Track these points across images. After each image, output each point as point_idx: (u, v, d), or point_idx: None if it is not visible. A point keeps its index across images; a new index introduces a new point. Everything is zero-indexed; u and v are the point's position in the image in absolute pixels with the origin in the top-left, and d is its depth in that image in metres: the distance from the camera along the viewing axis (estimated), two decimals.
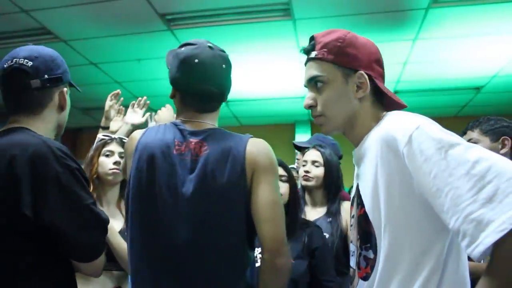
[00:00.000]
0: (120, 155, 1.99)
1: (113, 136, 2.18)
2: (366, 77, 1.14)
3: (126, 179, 1.46)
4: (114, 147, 2.05)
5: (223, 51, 1.54)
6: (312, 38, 1.25)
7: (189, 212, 1.32)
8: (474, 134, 2.00)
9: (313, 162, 2.38)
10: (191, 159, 1.37)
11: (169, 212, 1.33)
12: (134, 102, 2.56)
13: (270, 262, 1.30)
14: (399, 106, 1.18)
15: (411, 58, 4.69)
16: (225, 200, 1.34)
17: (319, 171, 2.36)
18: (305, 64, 1.27)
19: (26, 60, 1.30)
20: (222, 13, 3.86)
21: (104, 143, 2.08)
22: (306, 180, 2.37)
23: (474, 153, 0.90)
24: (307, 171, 2.36)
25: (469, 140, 1.91)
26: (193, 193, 1.33)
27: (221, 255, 1.33)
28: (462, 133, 2.04)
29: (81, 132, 7.42)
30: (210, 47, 1.49)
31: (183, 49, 1.46)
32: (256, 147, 1.42)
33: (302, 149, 2.82)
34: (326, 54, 1.17)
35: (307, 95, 1.23)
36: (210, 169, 1.34)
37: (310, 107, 1.22)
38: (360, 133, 1.17)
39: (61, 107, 1.39)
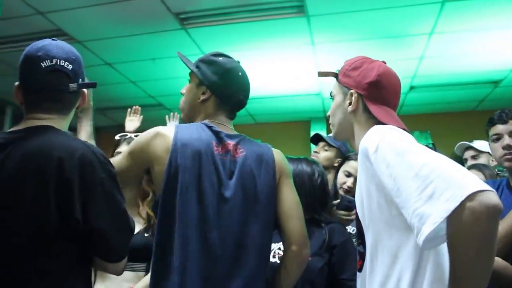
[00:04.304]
0: None
1: (129, 135, 2.20)
2: (356, 95, 1.38)
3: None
4: (123, 148, 2.06)
5: None
6: None
7: (231, 211, 1.45)
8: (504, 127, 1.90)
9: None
10: (230, 159, 1.50)
11: (213, 210, 1.43)
12: (130, 109, 2.63)
13: (298, 253, 1.50)
14: (393, 123, 1.31)
15: (427, 53, 4.63)
16: (262, 199, 1.50)
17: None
18: None
19: (66, 63, 1.31)
20: (235, 11, 3.86)
21: (116, 144, 2.10)
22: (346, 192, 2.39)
23: (423, 158, 1.05)
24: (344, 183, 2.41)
25: (496, 134, 1.87)
26: (235, 192, 1.46)
27: (258, 251, 1.47)
28: (489, 126, 1.97)
29: (97, 132, 7.48)
30: (238, 62, 1.67)
31: (221, 59, 1.61)
32: (280, 155, 1.62)
33: (318, 142, 2.85)
34: (339, 75, 1.45)
35: None
36: (248, 170, 1.50)
37: (329, 116, 1.52)
38: (358, 145, 1.33)
39: (79, 106, 1.43)
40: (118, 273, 1.40)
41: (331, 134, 2.91)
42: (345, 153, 2.81)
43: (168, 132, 1.49)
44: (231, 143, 1.53)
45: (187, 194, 1.41)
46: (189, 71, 1.67)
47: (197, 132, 1.50)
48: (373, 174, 1.18)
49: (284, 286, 1.56)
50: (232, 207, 1.45)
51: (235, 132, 1.59)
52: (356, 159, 2.34)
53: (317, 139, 2.94)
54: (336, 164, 2.80)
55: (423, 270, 1.11)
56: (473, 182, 0.95)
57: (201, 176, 1.44)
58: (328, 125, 7.36)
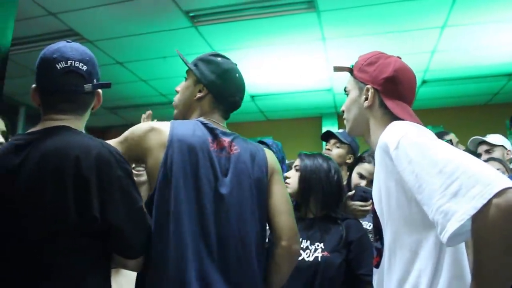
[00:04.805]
0: None
1: None
2: (372, 91, 1.37)
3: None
4: None
5: None
6: None
7: (227, 205, 1.46)
8: None
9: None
10: (225, 156, 1.52)
11: (210, 205, 1.44)
12: (143, 115, 2.64)
13: (288, 248, 1.51)
14: (410, 119, 1.30)
15: (439, 46, 4.59)
16: (256, 196, 1.52)
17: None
18: None
19: (81, 64, 1.32)
20: (245, 7, 3.86)
21: None
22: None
23: (447, 154, 1.05)
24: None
25: None
26: (231, 187, 1.48)
27: (256, 247, 1.49)
28: None
29: (109, 131, 7.54)
30: (235, 64, 1.70)
31: (219, 59, 1.64)
32: (270, 154, 1.66)
33: (329, 139, 2.86)
34: (354, 70, 1.44)
35: None
36: (243, 167, 1.52)
37: (343, 111, 1.50)
38: (374, 141, 1.34)
39: (94, 106, 1.44)
40: (137, 269, 1.42)
41: (341, 130, 2.92)
42: (356, 150, 2.83)
43: (163, 127, 1.50)
44: (226, 140, 1.55)
45: (184, 190, 1.41)
46: (187, 69, 1.69)
47: (193, 128, 1.51)
48: (392, 171, 1.17)
49: (275, 282, 1.56)
50: (228, 204, 1.46)
51: (229, 131, 1.62)
52: (369, 161, 2.35)
53: (327, 136, 2.93)
54: (348, 161, 2.80)
55: (441, 267, 1.11)
56: (499, 179, 0.94)
57: (198, 172, 1.44)
58: (339, 121, 7.36)
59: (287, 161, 3.02)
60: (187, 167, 1.43)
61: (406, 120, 1.28)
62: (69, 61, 1.31)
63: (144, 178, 2.09)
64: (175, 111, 1.70)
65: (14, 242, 1.19)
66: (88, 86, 1.34)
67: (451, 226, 0.96)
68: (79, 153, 1.21)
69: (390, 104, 1.34)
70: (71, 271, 1.20)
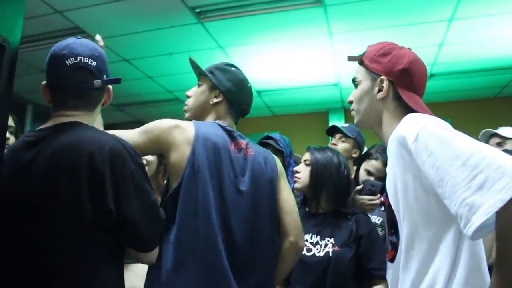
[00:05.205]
0: None
1: None
2: (387, 82, 1.34)
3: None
4: None
5: None
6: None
7: (245, 201, 1.58)
8: None
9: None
10: (242, 157, 1.64)
11: (231, 201, 1.55)
12: None
13: (295, 244, 1.65)
14: (424, 111, 1.29)
15: (447, 39, 4.55)
16: (269, 195, 1.65)
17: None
18: None
19: (90, 60, 1.32)
20: (251, 3, 3.85)
21: None
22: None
23: (470, 146, 1.03)
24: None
25: None
26: (249, 185, 1.60)
27: (270, 242, 1.63)
28: None
29: (115, 128, 7.56)
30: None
31: (234, 69, 1.78)
32: (277, 159, 1.79)
33: (334, 134, 2.87)
34: (364, 60, 1.41)
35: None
36: (258, 168, 1.65)
37: (350, 102, 1.46)
38: (386, 133, 1.33)
39: (105, 103, 1.44)
40: (151, 262, 1.44)
41: (346, 125, 2.91)
42: (362, 144, 2.82)
43: (187, 125, 1.59)
44: (243, 142, 1.68)
45: (210, 184, 1.51)
46: (198, 75, 1.80)
47: (214, 129, 1.63)
48: (410, 164, 1.16)
49: (280, 272, 1.68)
50: (246, 200, 1.58)
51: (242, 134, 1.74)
52: (376, 158, 2.35)
53: (332, 130, 2.93)
54: (354, 155, 2.79)
55: (459, 260, 1.10)
56: None
57: (221, 169, 1.55)
58: (346, 115, 7.32)
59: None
60: (212, 164, 1.54)
61: (420, 113, 1.26)
62: (78, 57, 1.31)
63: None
64: (188, 114, 1.79)
65: (26, 240, 1.19)
66: (97, 82, 1.33)
67: (477, 220, 0.94)
68: (93, 148, 1.21)
69: (405, 96, 1.32)
70: (85, 266, 1.21)
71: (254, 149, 1.69)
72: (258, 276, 1.57)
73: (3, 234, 1.22)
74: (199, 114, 1.75)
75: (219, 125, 1.67)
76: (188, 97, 1.81)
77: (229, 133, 1.66)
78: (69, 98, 1.33)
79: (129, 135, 1.54)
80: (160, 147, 1.56)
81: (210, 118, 1.73)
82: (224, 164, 1.56)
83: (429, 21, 4.14)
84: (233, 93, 1.73)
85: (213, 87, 1.74)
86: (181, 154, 1.52)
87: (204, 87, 1.76)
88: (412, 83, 1.35)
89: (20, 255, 1.20)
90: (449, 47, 4.73)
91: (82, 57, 1.31)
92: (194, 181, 1.49)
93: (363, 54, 1.44)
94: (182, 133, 1.56)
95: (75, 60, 1.30)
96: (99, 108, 1.42)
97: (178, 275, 1.42)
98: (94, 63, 1.32)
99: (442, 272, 1.11)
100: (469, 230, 0.96)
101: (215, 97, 1.73)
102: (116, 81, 1.39)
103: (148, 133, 1.57)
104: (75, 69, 1.30)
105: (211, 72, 1.76)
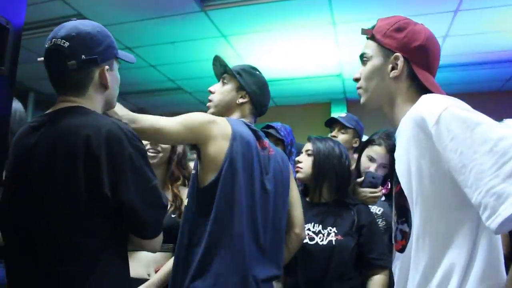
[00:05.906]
0: None
1: None
2: (402, 59, 1.25)
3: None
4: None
5: None
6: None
7: (270, 198, 1.71)
8: None
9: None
10: (266, 155, 1.77)
11: (259, 197, 1.66)
12: None
13: (299, 235, 1.85)
14: (438, 92, 1.22)
15: (451, 31, 4.51)
16: (285, 193, 1.82)
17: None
18: None
19: (63, 40, 1.26)
20: None
21: None
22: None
23: (498, 131, 0.96)
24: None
25: None
26: (273, 183, 1.73)
27: (283, 230, 1.78)
28: None
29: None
30: None
31: (258, 73, 1.91)
32: (287, 158, 1.94)
33: (333, 126, 2.87)
34: (375, 35, 1.31)
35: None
36: (278, 167, 1.80)
37: (357, 79, 1.36)
38: (398, 114, 1.26)
39: (104, 86, 1.35)
40: (155, 250, 1.42)
41: (343, 115, 2.89)
42: (361, 133, 2.81)
43: (223, 121, 1.68)
44: (266, 141, 1.81)
45: (243, 181, 1.61)
46: (223, 72, 1.88)
47: (244, 127, 1.73)
48: (427, 148, 1.08)
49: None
50: (270, 197, 1.71)
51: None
52: (379, 144, 2.30)
53: (331, 123, 2.92)
54: (354, 145, 2.78)
55: (477, 253, 1.04)
56: None
57: (252, 166, 1.66)
58: (349, 106, 7.27)
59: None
60: (246, 161, 1.64)
61: (435, 93, 1.19)
62: (53, 39, 1.27)
63: (157, 160, 2.11)
64: (213, 110, 1.84)
65: (29, 223, 1.20)
66: (72, 63, 1.26)
67: (506, 210, 0.88)
68: (90, 132, 1.19)
69: (420, 75, 1.24)
70: (86, 252, 1.20)
71: (273, 149, 1.83)
72: (275, 270, 1.70)
73: (12, 219, 1.24)
74: (224, 111, 1.82)
75: (245, 123, 1.77)
76: (211, 92, 1.87)
77: (254, 132, 1.76)
78: (54, 82, 1.32)
79: (169, 123, 1.57)
80: (198, 138, 1.62)
81: (234, 116, 1.82)
82: (254, 162, 1.67)
83: (434, 12, 4.11)
84: (257, 96, 1.86)
85: (240, 88, 1.84)
86: (218, 147, 1.60)
87: (231, 86, 1.85)
88: (428, 61, 1.27)
89: (20, 238, 1.21)
90: (453, 38, 4.70)
91: (56, 39, 1.26)
92: (232, 177, 1.59)
93: (373, 27, 1.34)
94: (218, 128, 1.63)
95: (50, 43, 1.27)
96: (94, 91, 1.33)
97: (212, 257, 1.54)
98: (66, 44, 1.25)
99: (458, 265, 1.04)
100: (495, 222, 0.90)
101: (242, 97, 1.83)
102: (93, 61, 1.29)
103: (188, 124, 1.62)
104: (50, 52, 1.28)
105: (238, 73, 1.85)
